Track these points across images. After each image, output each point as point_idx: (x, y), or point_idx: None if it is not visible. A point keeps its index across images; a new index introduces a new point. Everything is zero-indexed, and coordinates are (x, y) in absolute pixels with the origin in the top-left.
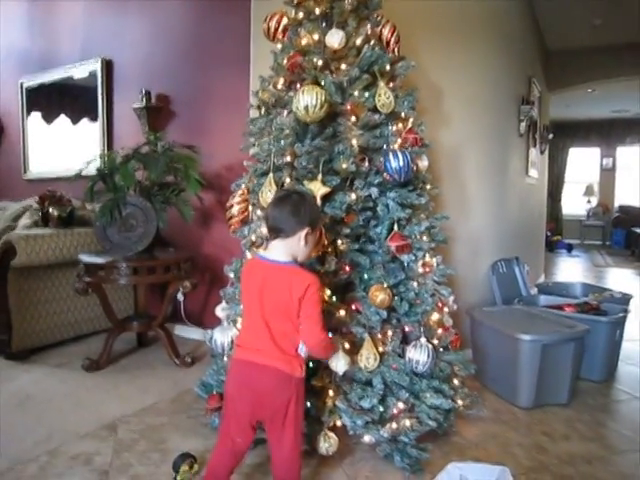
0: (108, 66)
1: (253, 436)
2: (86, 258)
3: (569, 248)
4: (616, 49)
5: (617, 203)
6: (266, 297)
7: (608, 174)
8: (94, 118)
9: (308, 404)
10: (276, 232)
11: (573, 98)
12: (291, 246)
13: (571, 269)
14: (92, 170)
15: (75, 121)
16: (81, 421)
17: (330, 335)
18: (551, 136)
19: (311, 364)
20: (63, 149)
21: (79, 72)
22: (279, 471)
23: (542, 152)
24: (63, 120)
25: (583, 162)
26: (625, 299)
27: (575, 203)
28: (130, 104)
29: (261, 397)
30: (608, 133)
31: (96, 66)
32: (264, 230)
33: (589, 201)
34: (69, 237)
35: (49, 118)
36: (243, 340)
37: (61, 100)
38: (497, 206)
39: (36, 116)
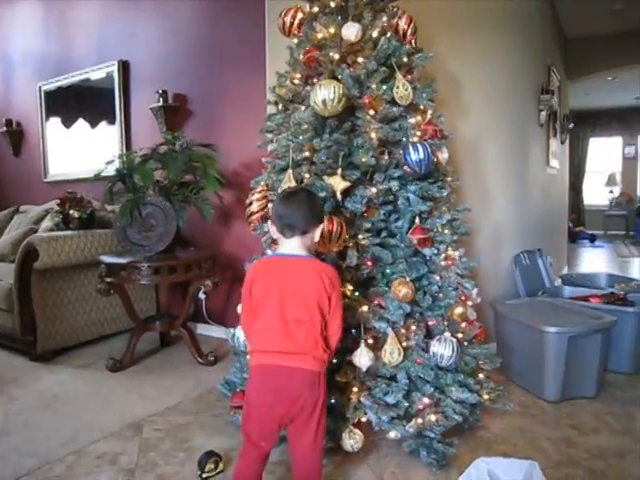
0: (125, 67)
1: (278, 437)
2: (107, 259)
3: (592, 239)
4: (637, 34)
5: None
6: (289, 294)
7: (631, 163)
8: (112, 121)
9: (332, 400)
10: (293, 230)
11: (593, 86)
12: (305, 242)
13: (595, 260)
14: (111, 171)
15: (93, 125)
16: (106, 421)
17: None
18: (571, 125)
19: (335, 360)
20: (82, 151)
21: (96, 74)
22: (299, 469)
23: (563, 142)
24: (82, 124)
25: (604, 151)
26: None
27: (597, 193)
28: (147, 104)
29: (293, 402)
30: (630, 121)
31: (113, 67)
32: None
33: (611, 191)
34: (90, 238)
35: (68, 123)
36: (263, 344)
37: (79, 103)
38: (518, 197)
39: (55, 121)
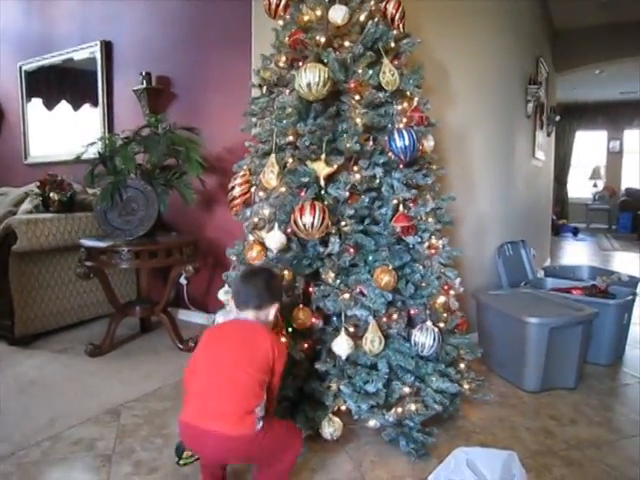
0: (107, 48)
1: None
2: (87, 242)
3: (575, 232)
4: (625, 28)
5: (624, 187)
6: (238, 353)
7: (615, 157)
8: (95, 103)
9: (312, 387)
10: (247, 304)
11: (580, 80)
12: (259, 316)
13: (577, 253)
14: (92, 154)
15: (76, 107)
16: (84, 406)
17: None
18: (558, 118)
19: (319, 346)
20: (64, 133)
21: (79, 54)
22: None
23: (549, 134)
24: (64, 106)
25: (590, 145)
26: (633, 282)
27: (581, 187)
28: (130, 86)
29: (220, 459)
30: (615, 116)
31: (95, 48)
32: (266, 212)
33: (595, 185)
34: (70, 221)
35: (50, 104)
36: (192, 402)
37: (62, 85)
38: (503, 188)
39: (37, 102)
